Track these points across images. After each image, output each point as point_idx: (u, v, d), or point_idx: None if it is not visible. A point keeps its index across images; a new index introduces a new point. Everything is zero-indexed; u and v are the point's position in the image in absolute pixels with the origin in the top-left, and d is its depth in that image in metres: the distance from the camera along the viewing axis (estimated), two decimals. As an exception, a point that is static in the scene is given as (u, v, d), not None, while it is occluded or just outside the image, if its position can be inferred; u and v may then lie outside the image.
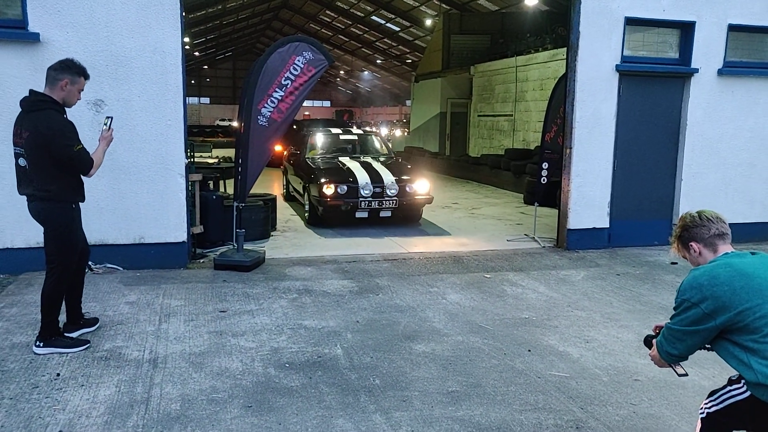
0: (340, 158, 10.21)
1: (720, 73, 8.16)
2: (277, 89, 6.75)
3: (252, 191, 7.41)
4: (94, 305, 5.38)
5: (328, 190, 8.99)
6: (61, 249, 4.40)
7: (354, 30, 40.32)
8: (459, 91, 18.97)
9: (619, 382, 4.24)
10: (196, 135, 25.98)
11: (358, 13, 35.44)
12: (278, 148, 18.83)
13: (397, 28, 35.54)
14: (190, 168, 7.16)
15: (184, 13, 6.56)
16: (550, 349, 4.80)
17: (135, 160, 6.47)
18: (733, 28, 8.15)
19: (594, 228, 8.09)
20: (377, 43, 41.78)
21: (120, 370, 4.19)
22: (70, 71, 4.27)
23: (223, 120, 52.31)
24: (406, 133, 32.44)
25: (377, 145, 11.57)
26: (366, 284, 6.37)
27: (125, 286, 6.05)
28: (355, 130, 12.61)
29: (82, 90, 4.40)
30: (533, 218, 9.16)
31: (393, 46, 40.47)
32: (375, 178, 9.28)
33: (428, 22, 28.10)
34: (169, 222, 6.65)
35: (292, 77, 6.78)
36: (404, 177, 9.52)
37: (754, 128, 8.49)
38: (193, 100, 61.91)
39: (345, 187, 9.04)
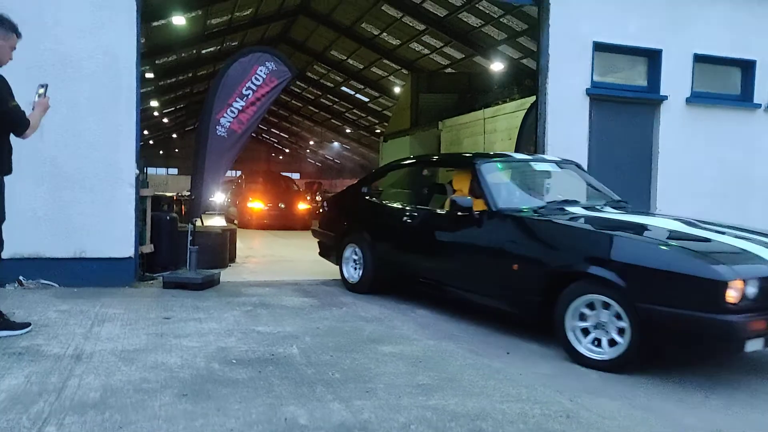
0: (616, 216, 4.86)
1: (688, 101, 8.12)
2: (237, 99, 6.40)
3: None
4: (19, 312, 4.74)
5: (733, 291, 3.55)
6: None
7: (324, 101, 40.83)
8: (427, 148, 18.88)
9: (610, 377, 3.78)
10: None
11: (328, 84, 35.97)
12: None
13: (366, 99, 36.06)
14: (142, 183, 6.68)
15: (140, 19, 6.25)
16: (532, 351, 4.33)
17: (80, 166, 5.98)
18: (699, 59, 8.17)
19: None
20: (347, 114, 42.30)
21: (34, 363, 3.57)
22: (2, 27, 3.98)
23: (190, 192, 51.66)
24: None
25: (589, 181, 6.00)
26: (329, 301, 5.84)
27: (58, 298, 5.42)
28: (548, 156, 6.70)
29: (15, 48, 4.07)
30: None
31: (362, 116, 40.99)
32: None
33: (397, 90, 28.54)
34: (114, 235, 6.09)
35: (254, 87, 6.45)
36: None
37: (723, 159, 8.39)
38: (160, 170, 61.41)
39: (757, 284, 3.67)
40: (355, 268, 6.31)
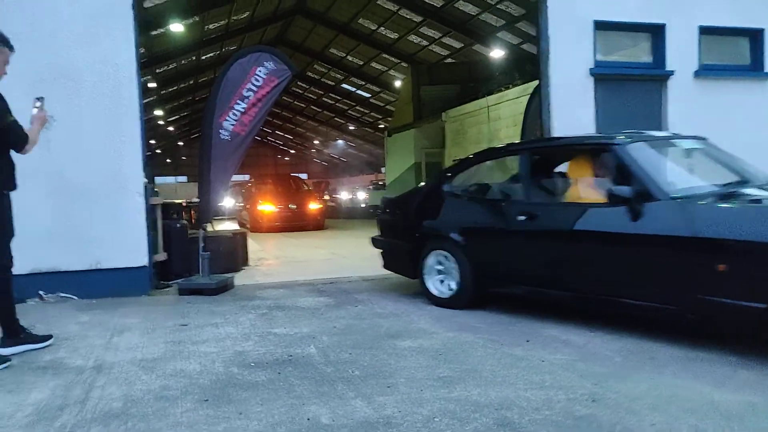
0: None
1: (696, 75, 8.01)
2: (238, 101, 6.39)
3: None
4: (40, 326, 4.73)
5: None
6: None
7: (326, 99, 40.84)
8: (432, 141, 18.87)
9: (636, 360, 3.72)
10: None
11: (329, 82, 35.96)
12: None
13: (368, 95, 36.01)
14: (151, 191, 6.68)
15: (138, 26, 6.24)
16: (552, 338, 4.27)
17: (88, 179, 6.00)
18: (704, 31, 8.06)
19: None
20: (350, 111, 42.29)
21: (58, 377, 3.58)
22: None
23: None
24: (370, 187, 32.23)
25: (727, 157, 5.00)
26: (344, 299, 5.82)
27: (77, 311, 5.44)
28: (681, 133, 5.78)
29: (8, 63, 4.01)
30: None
31: (365, 112, 40.96)
32: None
33: (398, 84, 28.47)
34: (127, 244, 6.10)
35: (254, 88, 6.43)
36: None
37: (736, 131, 8.20)
38: (169, 179, 61.59)
39: None
40: (442, 280, 5.41)
